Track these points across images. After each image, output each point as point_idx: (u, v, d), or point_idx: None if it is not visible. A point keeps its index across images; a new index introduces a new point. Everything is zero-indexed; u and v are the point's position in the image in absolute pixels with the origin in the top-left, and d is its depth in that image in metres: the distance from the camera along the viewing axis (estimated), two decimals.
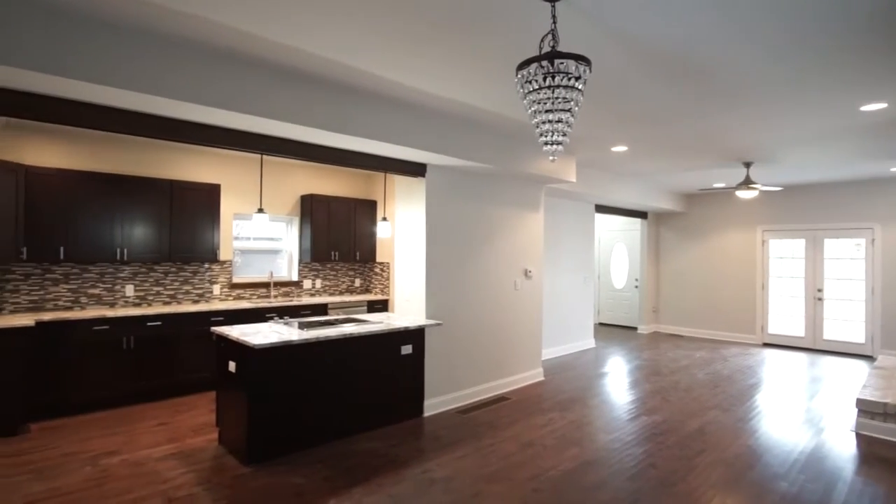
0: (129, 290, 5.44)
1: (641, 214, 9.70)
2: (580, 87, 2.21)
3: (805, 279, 8.44)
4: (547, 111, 2.22)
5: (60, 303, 5.04)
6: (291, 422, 3.77)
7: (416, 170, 4.70)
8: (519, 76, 2.27)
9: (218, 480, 3.35)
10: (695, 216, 9.65)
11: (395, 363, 4.45)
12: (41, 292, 4.94)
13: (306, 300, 6.40)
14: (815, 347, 8.30)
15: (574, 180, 5.84)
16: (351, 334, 3.91)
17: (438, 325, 4.56)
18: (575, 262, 7.92)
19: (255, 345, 3.37)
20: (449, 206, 4.98)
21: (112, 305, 5.33)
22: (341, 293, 7.23)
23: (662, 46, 2.91)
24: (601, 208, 8.53)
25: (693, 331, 9.61)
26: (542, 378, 6.10)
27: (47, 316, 4.59)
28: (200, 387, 5.38)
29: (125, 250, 5.14)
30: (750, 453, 3.93)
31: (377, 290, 7.31)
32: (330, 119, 3.57)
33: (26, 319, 4.29)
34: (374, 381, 4.30)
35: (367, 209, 7.12)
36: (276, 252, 6.69)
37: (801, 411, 5.01)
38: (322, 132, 3.60)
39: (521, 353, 5.79)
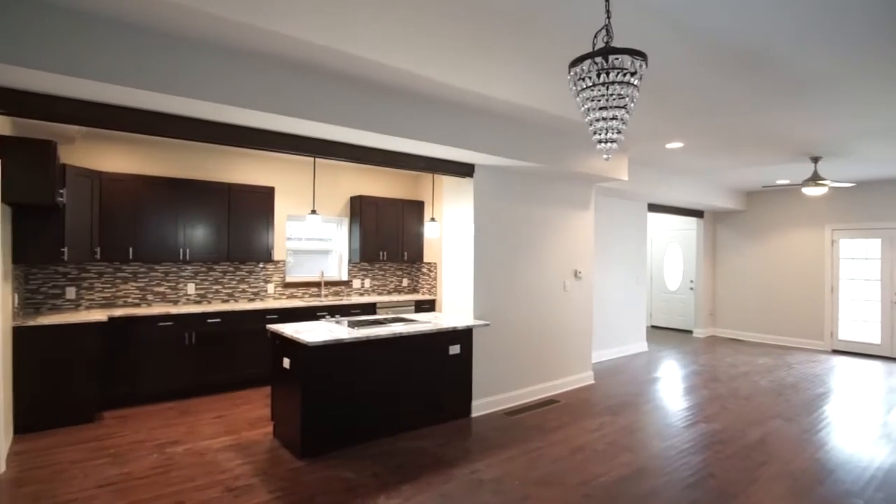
0: (191, 288, 5.72)
1: (697, 213, 9.31)
2: (636, 82, 2.14)
3: (881, 282, 7.85)
4: (601, 108, 2.16)
5: (129, 300, 5.37)
6: (342, 418, 3.85)
7: (464, 170, 4.70)
8: (571, 73, 2.22)
9: (273, 472, 3.47)
10: (756, 214, 9.17)
11: (443, 363, 4.47)
12: (112, 290, 5.28)
13: (356, 299, 6.53)
14: (892, 356, 7.70)
15: (626, 178, 5.67)
16: (400, 333, 3.96)
17: (486, 325, 4.54)
18: (627, 263, 7.70)
19: (308, 342, 3.47)
20: (497, 206, 4.95)
21: (175, 303, 5.63)
22: (389, 293, 7.33)
23: (725, 39, 2.77)
24: (654, 207, 8.25)
25: (753, 335, 9.14)
26: (591, 381, 5.97)
27: (118, 312, 4.90)
28: (255, 382, 5.59)
29: (187, 251, 5.41)
30: (818, 467, 3.69)
31: (424, 289, 7.37)
32: (381, 122, 3.63)
33: (100, 315, 4.59)
34: (423, 381, 4.33)
35: (414, 210, 7.18)
36: (326, 252, 6.86)
37: (877, 425, 4.66)
38: (373, 135, 3.66)
39: (570, 355, 5.68)
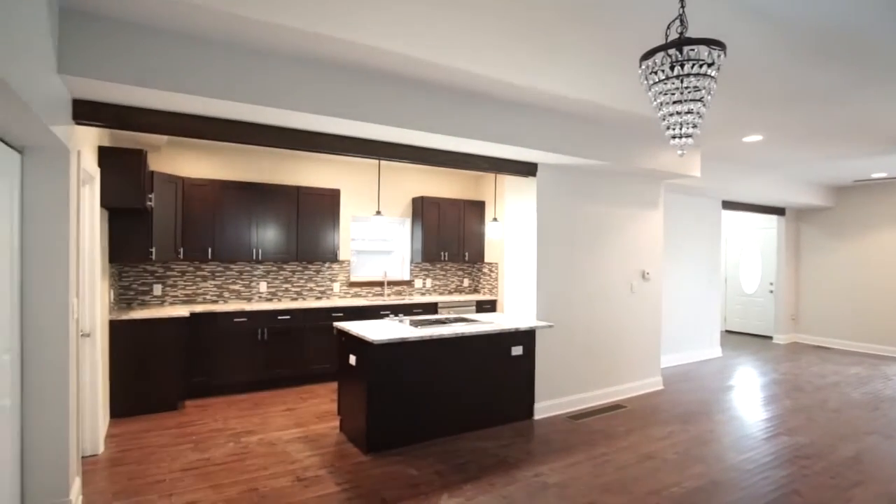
0: (263, 286, 6.02)
1: (778, 211, 8.69)
2: (713, 73, 2.03)
3: None
4: (675, 102, 2.06)
5: (208, 296, 5.72)
6: (406, 415, 3.91)
7: (527, 169, 4.64)
8: (643, 67, 2.14)
9: (340, 465, 3.58)
10: (846, 211, 8.43)
11: (505, 364, 4.44)
12: (193, 287, 5.64)
13: (417, 299, 6.62)
14: None
15: (698, 175, 5.39)
16: (463, 333, 3.97)
17: (550, 327, 4.46)
18: (699, 264, 7.31)
19: (373, 340, 3.55)
20: (560, 206, 4.85)
21: (249, 300, 5.94)
22: (450, 293, 7.37)
23: (813, 23, 2.57)
24: (729, 204, 7.78)
25: (843, 343, 8.41)
26: (660, 387, 5.72)
27: (198, 308, 5.23)
28: (322, 377, 5.79)
29: (259, 251, 5.70)
30: None
31: (485, 290, 7.35)
32: (443, 123, 3.65)
33: (183, 310, 4.93)
34: (485, 381, 4.32)
35: (475, 210, 7.18)
36: (388, 252, 7.00)
37: None
38: (436, 136, 3.69)
39: (637, 359, 5.47)
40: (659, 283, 5.68)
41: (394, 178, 6.90)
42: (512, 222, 5.02)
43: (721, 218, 7.69)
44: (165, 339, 4.66)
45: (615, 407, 5.01)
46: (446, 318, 4.66)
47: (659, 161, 5.00)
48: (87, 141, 3.40)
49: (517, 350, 4.50)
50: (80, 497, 3.02)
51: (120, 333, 4.45)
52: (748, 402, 5.29)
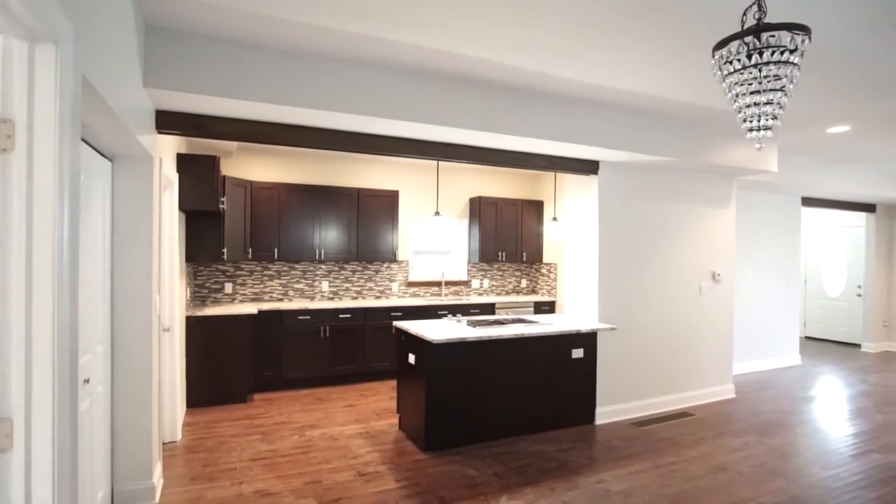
0: (325, 285, 6.21)
1: (867, 207, 7.99)
2: (796, 60, 1.88)
3: None
4: (752, 93, 1.93)
5: (274, 295, 5.98)
6: (464, 415, 3.91)
7: (588, 167, 4.52)
8: (716, 57, 2.02)
9: (399, 462, 3.63)
10: None
11: (565, 367, 4.34)
12: (260, 286, 5.91)
13: (475, 299, 6.61)
14: None
15: (775, 170, 5.03)
16: (522, 334, 3.92)
17: (612, 329, 4.32)
18: (775, 265, 6.85)
19: (432, 340, 3.57)
20: (623, 204, 4.69)
21: (311, 298, 6.15)
22: (508, 293, 7.31)
23: None
24: (810, 201, 7.22)
25: None
26: (732, 395, 5.40)
27: (265, 306, 5.48)
28: (382, 375, 5.90)
29: (322, 251, 5.89)
30: None
31: (544, 290, 7.23)
32: (502, 122, 3.62)
33: (251, 307, 5.17)
34: (544, 384, 4.25)
35: (533, 210, 7.08)
36: (445, 253, 7.03)
37: None
38: (495, 135, 3.67)
39: (706, 365, 5.20)
40: (731, 285, 5.36)
41: (451, 178, 6.93)
42: (572, 222, 4.91)
43: (801, 216, 7.16)
44: (236, 335, 4.91)
45: (682, 414, 4.78)
46: (504, 319, 4.62)
47: (731, 156, 4.72)
48: (167, 148, 3.64)
49: (578, 353, 4.39)
50: (161, 480, 3.23)
51: (195, 329, 4.74)
52: (833, 414, 4.89)
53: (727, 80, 2.00)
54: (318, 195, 5.88)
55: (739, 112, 2.02)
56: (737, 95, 1.99)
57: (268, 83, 2.96)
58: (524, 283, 7.44)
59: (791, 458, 3.80)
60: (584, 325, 4.31)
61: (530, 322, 4.47)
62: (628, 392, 4.70)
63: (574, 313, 4.86)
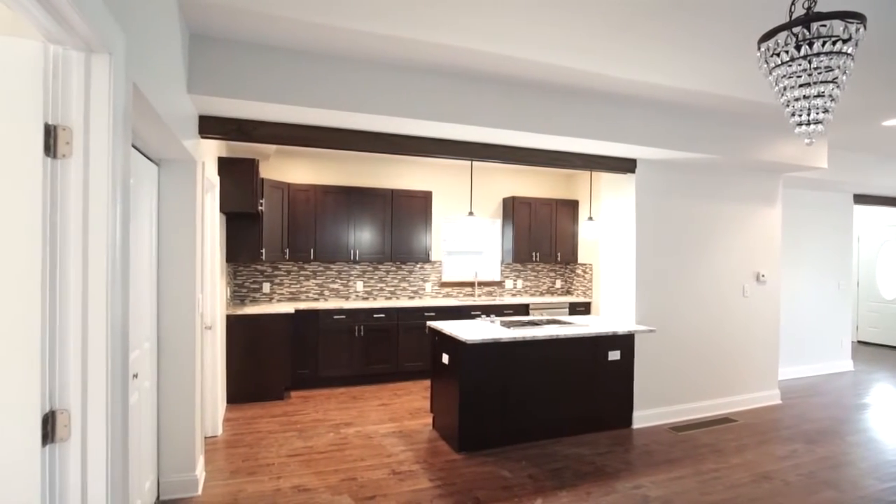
0: (360, 285, 6.30)
1: None
2: (850, 50, 1.79)
3: None
4: (801, 86, 1.85)
5: (310, 294, 6.10)
6: (499, 416, 3.89)
7: (625, 166, 4.43)
8: (762, 50, 1.94)
9: (433, 462, 3.64)
10: None
11: (601, 369, 4.26)
12: (297, 286, 6.04)
13: (508, 300, 6.57)
14: None
15: (825, 166, 4.81)
16: (557, 335, 3.87)
17: (651, 331, 4.22)
18: (824, 265, 6.54)
19: (466, 340, 3.57)
20: (662, 203, 4.57)
21: (346, 298, 6.24)
22: (542, 294, 7.24)
23: None
24: (863, 198, 6.86)
25: None
26: (778, 401, 5.19)
27: (301, 305, 5.59)
28: (415, 375, 5.94)
29: (356, 251, 5.97)
30: None
31: (579, 291, 7.12)
32: (537, 121, 3.59)
33: (288, 307, 5.29)
34: (580, 386, 4.18)
35: (567, 209, 6.99)
36: (479, 253, 7.01)
37: None
38: (529, 135, 3.64)
39: (750, 369, 5.01)
40: (777, 287, 5.15)
41: (484, 178, 6.91)
42: (608, 221, 4.82)
43: (853, 214, 6.82)
44: (274, 334, 5.04)
45: (723, 420, 4.63)
46: (539, 320, 4.58)
47: (778, 152, 4.54)
48: (209, 152, 3.77)
49: (614, 355, 4.31)
50: (203, 473, 3.34)
51: (235, 327, 4.88)
52: (889, 423, 4.63)
53: (774, 73, 1.93)
54: (352, 196, 5.96)
55: (787, 106, 1.94)
56: (784, 89, 1.91)
57: (308, 88, 3.03)
58: (558, 283, 7.35)
59: (843, 469, 3.62)
60: (621, 327, 4.22)
61: (565, 323, 4.41)
62: (667, 396, 4.58)
63: (610, 314, 4.77)
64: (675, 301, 4.62)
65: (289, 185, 5.68)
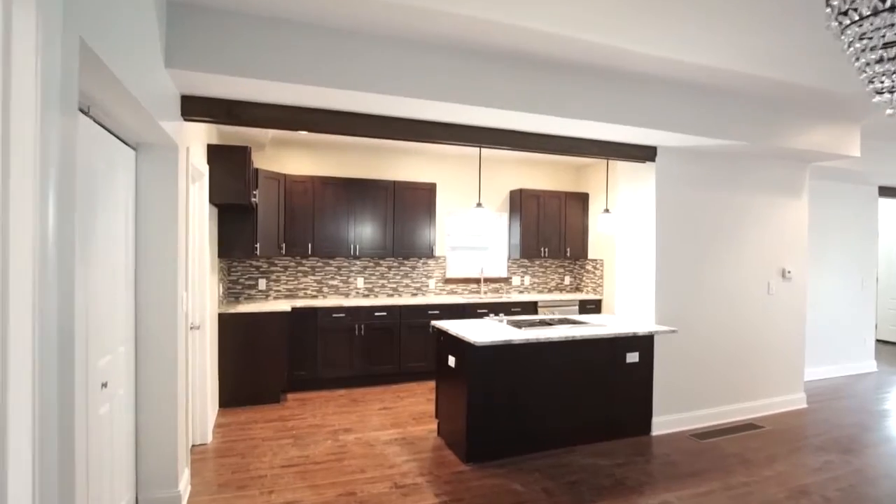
0: (360, 282, 6.01)
1: None
2: None
3: None
4: (885, 46, 1.55)
5: (308, 291, 5.81)
6: (509, 424, 3.61)
7: (644, 154, 4.12)
8: (831, 6, 1.64)
9: (439, 474, 3.36)
10: None
11: (619, 372, 3.97)
12: (294, 282, 5.76)
13: (516, 297, 6.28)
14: None
15: (858, 154, 4.48)
16: (573, 337, 3.58)
17: (673, 332, 3.92)
18: (848, 261, 6.22)
19: (475, 342, 3.28)
20: (683, 194, 4.26)
21: (346, 295, 5.96)
22: (550, 291, 6.94)
23: None
24: (889, 191, 6.53)
25: None
26: (804, 405, 4.89)
27: (299, 303, 5.31)
28: (419, 376, 5.65)
29: (357, 246, 5.68)
30: None
31: (589, 288, 6.82)
32: (552, 103, 3.28)
33: (285, 305, 5.00)
34: (596, 390, 3.89)
35: (577, 202, 6.68)
36: (484, 248, 6.71)
37: None
38: (544, 118, 3.33)
39: (775, 371, 4.71)
40: (803, 283, 4.85)
41: (490, 170, 6.61)
42: (625, 214, 4.51)
43: (878, 207, 6.49)
44: (269, 333, 4.76)
45: (748, 426, 4.33)
46: (551, 319, 4.29)
47: (807, 139, 4.22)
48: (196, 138, 3.47)
49: (633, 357, 4.01)
50: (189, 488, 3.06)
51: (228, 326, 4.60)
52: None
53: (846, 33, 1.63)
54: (353, 188, 5.67)
55: (863, 72, 1.64)
56: (860, 51, 1.61)
57: (303, 63, 2.72)
58: (567, 280, 7.05)
59: (884, 482, 3.33)
60: (641, 327, 3.92)
61: (579, 323, 4.12)
62: (688, 400, 4.28)
63: (626, 313, 4.47)
64: (696, 299, 4.32)
65: (285, 176, 5.39)
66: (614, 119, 3.48)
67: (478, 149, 5.29)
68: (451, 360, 3.73)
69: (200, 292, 3.78)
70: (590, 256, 6.76)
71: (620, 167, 4.57)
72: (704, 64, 3.25)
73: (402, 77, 2.91)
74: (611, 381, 3.95)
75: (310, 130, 3.22)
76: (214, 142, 4.14)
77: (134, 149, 2.70)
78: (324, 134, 3.44)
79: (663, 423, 4.16)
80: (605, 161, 5.83)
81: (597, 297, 6.49)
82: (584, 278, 6.93)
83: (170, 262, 2.79)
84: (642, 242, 4.27)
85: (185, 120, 2.96)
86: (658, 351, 4.15)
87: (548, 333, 3.57)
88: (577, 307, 6.34)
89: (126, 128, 2.43)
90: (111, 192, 2.31)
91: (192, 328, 3.65)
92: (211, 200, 3.98)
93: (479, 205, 3.74)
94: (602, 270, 6.53)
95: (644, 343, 4.06)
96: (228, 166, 4.00)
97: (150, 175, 2.74)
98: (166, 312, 2.78)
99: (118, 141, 2.43)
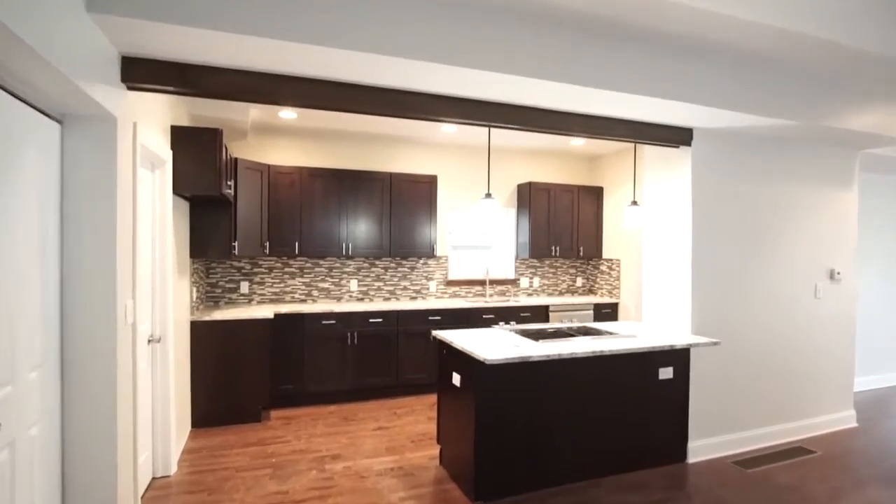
0: (354, 284, 5.45)
1: None
2: None
3: None
4: None
5: (296, 295, 5.25)
6: (526, 454, 3.04)
7: (679, 137, 3.56)
8: None
9: None
10: None
11: (651, 390, 3.41)
12: (281, 285, 5.19)
13: (524, 301, 5.71)
14: None
15: None
16: (602, 352, 3.01)
17: (715, 343, 3.35)
18: (892, 260, 5.66)
19: (486, 359, 2.71)
20: (722, 184, 3.70)
21: (338, 299, 5.39)
22: (561, 293, 6.38)
23: None
24: None
25: None
26: (854, 424, 4.32)
27: (285, 308, 4.74)
28: (418, 388, 5.10)
29: (349, 245, 5.12)
30: None
31: (603, 290, 6.26)
32: (577, 69, 2.71)
33: (267, 311, 4.44)
34: (625, 412, 3.33)
35: (591, 197, 6.12)
36: (488, 247, 6.14)
37: None
38: (567, 88, 2.76)
39: (823, 385, 4.15)
40: (853, 286, 4.29)
41: (497, 162, 6.05)
42: (654, 208, 3.95)
43: None
44: (249, 343, 4.20)
45: (798, 451, 3.77)
46: (569, 329, 3.73)
47: (866, 119, 3.66)
48: (153, 116, 2.91)
49: (666, 372, 3.45)
50: None
51: (202, 336, 4.05)
52: None
53: None
54: (345, 180, 5.10)
55: None
56: None
57: (274, 12, 2.15)
58: (580, 281, 6.48)
59: None
60: (678, 339, 3.36)
61: (604, 333, 3.55)
62: (728, 421, 3.72)
63: (655, 320, 3.91)
64: (737, 304, 3.76)
65: (269, 166, 4.82)
66: (650, 91, 2.90)
67: (486, 134, 4.74)
68: (456, 378, 3.17)
69: (162, 299, 3.22)
70: (604, 256, 6.19)
71: (649, 155, 4.01)
72: (764, 22, 2.67)
73: (399, 34, 2.35)
74: (642, 400, 3.39)
75: (285, 104, 2.65)
76: (184, 124, 3.57)
77: (59, 122, 2.14)
78: (302, 108, 2.88)
79: (701, 449, 3.60)
80: (631, 147, 5.30)
81: (613, 300, 5.93)
82: (597, 280, 6.36)
83: (108, 264, 2.23)
84: (675, 240, 3.71)
85: (129, 88, 2.40)
86: (695, 365, 3.58)
87: (571, 348, 3.01)
88: (591, 311, 5.78)
89: (40, 93, 1.87)
90: (12, 172, 1.75)
91: (150, 342, 3.10)
92: (176, 191, 3.41)
93: (488, 195, 3.17)
94: (618, 271, 5.97)
95: (679, 357, 3.50)
96: (195, 152, 3.43)
97: (79, 154, 2.18)
98: (103, 326, 2.22)
99: (29, 108, 1.87)
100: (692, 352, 3.55)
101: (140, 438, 2.71)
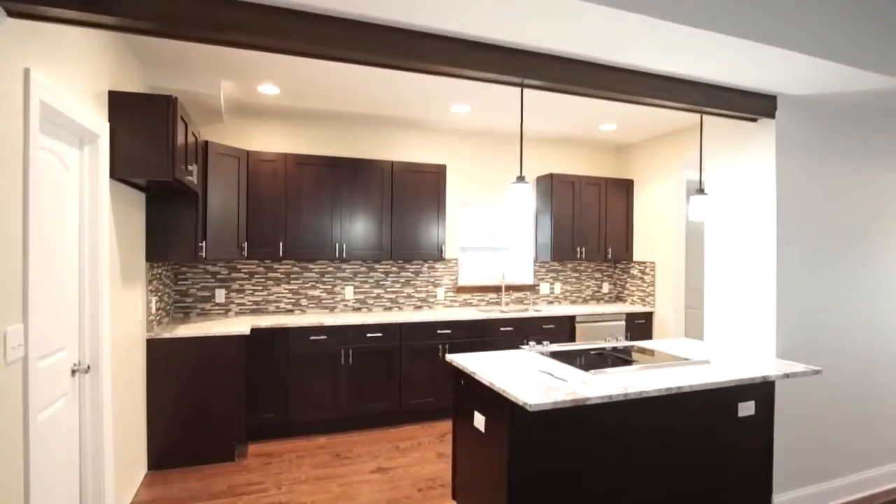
0: (349, 292, 4.68)
1: None
2: None
3: None
4: None
5: (282, 304, 4.48)
6: None
7: (759, 107, 2.79)
8: None
9: None
10: None
11: (728, 430, 2.64)
12: (264, 293, 4.43)
13: (546, 310, 4.93)
14: None
15: None
16: (680, 388, 2.24)
17: (816, 372, 2.57)
18: None
19: (529, 404, 1.94)
20: (813, 169, 2.93)
21: (331, 310, 4.63)
22: (586, 301, 5.61)
23: None
24: None
25: None
26: None
27: (266, 321, 3.97)
28: (425, 415, 4.33)
29: (343, 246, 4.35)
30: None
31: (634, 297, 5.48)
32: None
33: (244, 326, 3.67)
34: (696, 459, 2.56)
35: (620, 192, 5.35)
36: (502, 249, 5.37)
37: None
38: (629, 17, 2.00)
39: None
40: None
41: (513, 151, 5.29)
42: (720, 198, 3.19)
43: None
44: (220, 364, 3.44)
45: None
46: (614, 350, 2.96)
47: None
48: (73, 71, 2.15)
49: (747, 408, 2.68)
50: None
51: (160, 356, 3.29)
52: None
53: None
54: (338, 170, 4.34)
55: None
56: None
57: None
58: (606, 287, 5.71)
59: None
60: (769, 367, 2.59)
61: (668, 358, 2.78)
62: (822, 467, 2.95)
63: (718, 337, 3.14)
64: (833, 319, 2.99)
65: (248, 153, 4.07)
66: (733, 30, 2.14)
67: (504, 117, 3.97)
68: (479, 420, 2.40)
69: (93, 315, 2.46)
70: (635, 258, 5.42)
71: (708, 134, 3.25)
72: None
73: None
74: (717, 445, 2.62)
75: (238, 44, 1.89)
76: (131, 90, 2.80)
77: None
78: (262, 52, 2.14)
79: (789, 502, 2.82)
80: (666, 136, 4.58)
81: (647, 308, 5.15)
82: (627, 285, 5.59)
83: None
84: (751, 238, 2.94)
85: (11, 14, 1.64)
86: (780, 395, 2.82)
87: (639, 383, 2.23)
88: (623, 322, 5.01)
89: None
90: None
91: (75, 372, 2.34)
92: (116, 175, 2.65)
93: (521, 178, 2.39)
94: (653, 275, 5.19)
95: (762, 387, 2.73)
96: (140, 124, 2.67)
97: None
98: None
99: None
100: (777, 381, 2.78)
101: (56, 498, 1.94)
